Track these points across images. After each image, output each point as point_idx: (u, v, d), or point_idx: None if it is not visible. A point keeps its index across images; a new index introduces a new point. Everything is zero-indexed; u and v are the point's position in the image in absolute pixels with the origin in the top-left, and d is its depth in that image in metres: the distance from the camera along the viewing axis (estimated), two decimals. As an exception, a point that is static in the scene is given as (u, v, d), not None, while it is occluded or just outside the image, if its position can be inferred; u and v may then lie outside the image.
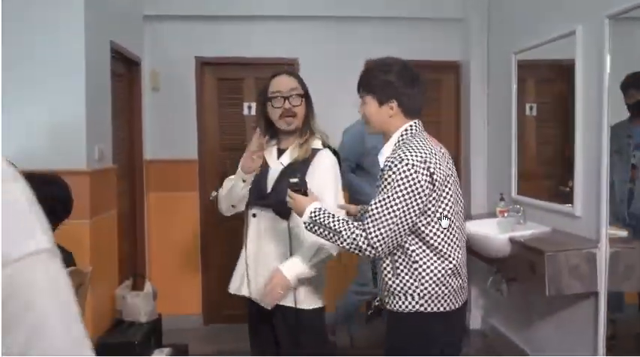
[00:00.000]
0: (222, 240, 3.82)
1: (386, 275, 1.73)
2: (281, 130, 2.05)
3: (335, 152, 2.07)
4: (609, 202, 2.47)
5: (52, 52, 2.65)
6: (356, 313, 3.49)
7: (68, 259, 1.99)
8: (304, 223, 1.72)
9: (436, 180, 1.64)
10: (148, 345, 3.02)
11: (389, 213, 1.61)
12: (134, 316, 3.06)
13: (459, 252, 1.72)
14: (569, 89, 2.83)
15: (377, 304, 1.88)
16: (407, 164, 1.62)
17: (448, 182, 1.69)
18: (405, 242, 1.68)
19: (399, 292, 1.70)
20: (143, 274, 3.67)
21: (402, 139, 1.75)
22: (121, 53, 3.34)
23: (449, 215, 1.69)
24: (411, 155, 1.64)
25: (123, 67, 3.53)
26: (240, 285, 2.08)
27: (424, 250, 1.68)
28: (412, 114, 1.78)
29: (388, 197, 1.61)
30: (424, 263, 1.68)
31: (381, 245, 1.62)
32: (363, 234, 1.62)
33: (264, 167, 2.03)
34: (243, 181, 2.01)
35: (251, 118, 2.08)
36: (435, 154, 1.68)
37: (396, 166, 1.63)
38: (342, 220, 1.68)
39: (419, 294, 1.67)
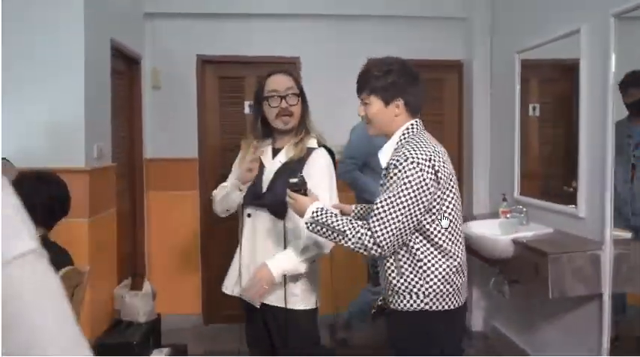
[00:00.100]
0: (222, 239, 3.78)
1: (390, 274, 1.72)
2: (277, 129, 2.04)
3: (330, 151, 2.06)
4: (613, 203, 2.44)
5: (51, 50, 2.63)
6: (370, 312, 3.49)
7: (66, 259, 1.97)
8: (306, 223, 1.70)
9: (441, 178, 1.64)
10: (146, 345, 3.00)
11: (395, 211, 1.60)
12: (133, 316, 3.03)
13: (462, 250, 1.73)
14: (572, 89, 2.80)
15: (380, 303, 1.85)
16: (412, 162, 1.61)
17: (451, 180, 1.70)
18: (410, 241, 1.67)
19: (404, 291, 1.69)
20: (142, 273, 3.65)
21: (405, 138, 1.74)
22: (121, 51, 3.32)
23: (452, 213, 1.69)
24: (416, 153, 1.63)
25: (123, 65, 3.51)
26: (234, 285, 2.07)
27: (428, 249, 1.67)
28: (415, 112, 1.78)
29: (394, 195, 1.60)
30: (429, 261, 1.67)
31: (387, 244, 1.60)
32: (369, 233, 1.61)
33: (260, 167, 2.01)
34: (240, 190, 2.00)
35: (252, 117, 2.07)
36: (439, 153, 1.69)
37: (401, 164, 1.62)
38: (346, 219, 1.67)
39: (424, 292, 1.67)
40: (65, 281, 1.82)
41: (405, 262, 1.69)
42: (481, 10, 3.82)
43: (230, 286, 2.10)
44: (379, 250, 1.61)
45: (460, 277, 1.72)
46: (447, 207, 1.68)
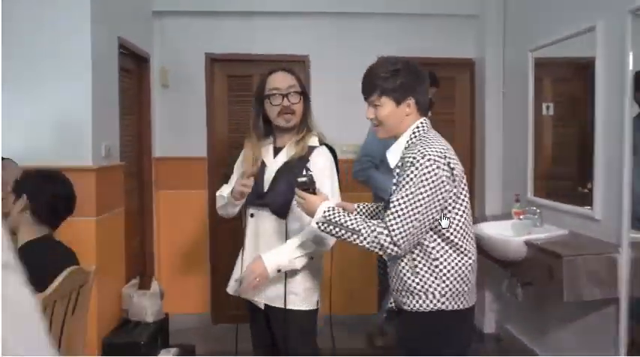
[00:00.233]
0: (231, 238, 3.76)
1: (404, 275, 1.69)
2: (278, 127, 2.01)
3: (332, 149, 2.03)
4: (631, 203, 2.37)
5: (58, 49, 2.62)
6: None
7: (71, 258, 1.95)
8: (317, 223, 1.66)
9: (456, 175, 1.64)
10: (154, 345, 2.98)
11: (413, 209, 1.57)
12: (140, 316, 3.02)
13: (474, 247, 1.72)
14: (587, 88, 2.74)
15: (391, 305, 1.81)
16: (429, 160, 1.59)
17: (464, 178, 1.68)
18: (425, 239, 1.65)
19: (419, 290, 1.66)
20: (150, 273, 3.64)
21: (416, 136, 1.72)
22: (129, 49, 3.30)
23: (465, 211, 1.68)
24: (432, 150, 1.62)
25: (132, 64, 3.49)
26: (238, 285, 2.04)
27: (443, 247, 1.65)
28: (424, 111, 1.77)
29: (412, 193, 1.58)
30: (445, 260, 1.65)
31: (404, 242, 1.58)
32: (385, 231, 1.58)
33: (261, 166, 1.99)
34: (235, 204, 2.00)
35: (253, 115, 2.05)
36: (451, 150, 1.68)
37: (418, 161, 1.59)
38: (360, 218, 1.64)
39: (440, 292, 1.65)
40: (69, 281, 1.80)
41: (419, 262, 1.67)
42: (493, 7, 3.76)
43: (234, 287, 2.08)
44: (395, 249, 1.59)
45: (474, 275, 1.71)
46: (461, 205, 1.66)
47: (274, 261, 1.86)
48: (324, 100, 3.87)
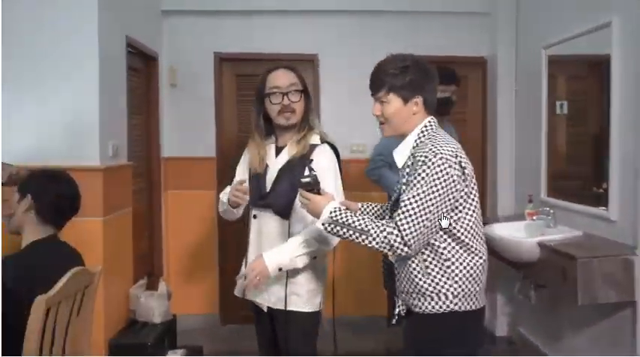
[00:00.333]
0: (239, 239, 3.73)
1: (416, 276, 1.66)
2: (279, 126, 1.98)
3: (334, 147, 1.99)
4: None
5: (65, 48, 2.62)
6: None
7: (76, 259, 1.93)
8: (323, 224, 1.63)
9: (467, 175, 1.61)
10: (161, 346, 2.97)
11: (424, 208, 1.54)
12: (148, 317, 3.00)
13: (485, 247, 1.70)
14: (603, 85, 2.68)
15: (401, 308, 1.76)
16: (441, 158, 1.56)
17: (474, 177, 1.66)
18: (435, 240, 1.62)
19: (432, 292, 1.63)
20: (158, 273, 3.62)
21: (424, 135, 1.69)
22: (138, 48, 3.29)
23: (476, 211, 1.65)
24: (444, 149, 1.59)
25: (140, 63, 3.49)
26: (241, 285, 2.02)
27: (454, 247, 1.63)
28: (432, 110, 1.74)
29: (423, 192, 1.55)
30: (457, 260, 1.63)
31: (414, 242, 1.55)
32: (395, 231, 1.54)
33: (263, 166, 1.97)
34: (234, 210, 2.01)
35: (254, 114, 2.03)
36: (461, 149, 1.65)
37: (430, 160, 1.56)
38: (368, 218, 1.60)
39: (452, 292, 1.62)
40: (74, 282, 1.78)
41: (431, 262, 1.64)
42: (505, 3, 3.70)
43: (240, 289, 2.06)
44: (406, 250, 1.55)
45: (485, 275, 1.69)
46: (471, 204, 1.64)
47: (275, 259, 1.84)
48: (334, 99, 3.85)
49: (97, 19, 2.63)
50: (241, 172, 2.11)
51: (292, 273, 1.91)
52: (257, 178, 1.99)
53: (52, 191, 1.87)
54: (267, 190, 1.95)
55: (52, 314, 1.69)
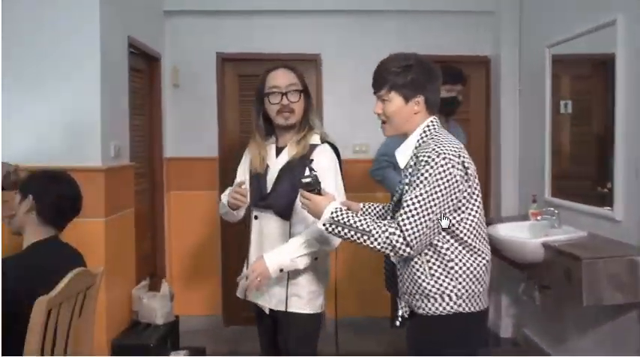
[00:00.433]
0: (242, 240, 3.73)
1: (419, 277, 1.64)
2: (279, 126, 1.97)
3: (334, 147, 1.98)
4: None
5: (66, 48, 2.62)
6: None
7: (77, 260, 1.92)
8: (324, 225, 1.61)
9: (470, 175, 1.60)
10: (164, 347, 2.96)
11: (427, 209, 1.53)
12: (150, 318, 3.00)
13: (488, 247, 1.68)
14: (607, 84, 2.65)
15: (404, 310, 1.75)
16: (445, 158, 1.55)
17: (476, 177, 1.64)
18: (438, 241, 1.61)
19: (435, 293, 1.62)
20: (161, 274, 3.62)
21: (427, 135, 1.68)
22: (140, 49, 3.29)
23: (478, 211, 1.63)
24: (447, 149, 1.58)
25: (143, 63, 3.48)
26: (244, 288, 2.01)
27: (457, 248, 1.62)
28: (434, 109, 1.72)
29: (426, 192, 1.53)
30: (460, 261, 1.62)
31: (417, 243, 1.53)
32: (397, 232, 1.52)
33: (264, 167, 1.96)
34: (234, 212, 2.01)
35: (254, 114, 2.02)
36: (464, 149, 1.64)
37: (433, 160, 1.55)
38: (369, 218, 1.59)
39: (456, 294, 1.61)
40: (75, 283, 1.77)
41: (434, 263, 1.62)
42: (509, 2, 3.68)
43: (242, 291, 2.06)
44: (408, 250, 1.53)
45: (488, 276, 1.68)
46: (473, 205, 1.62)
47: (276, 260, 1.83)
48: (336, 99, 3.84)
49: (98, 19, 2.62)
50: (242, 173, 2.10)
51: (293, 274, 1.90)
52: (257, 178, 1.98)
53: (53, 192, 1.86)
54: (268, 190, 1.94)
55: (53, 315, 1.69)
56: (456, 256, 1.62)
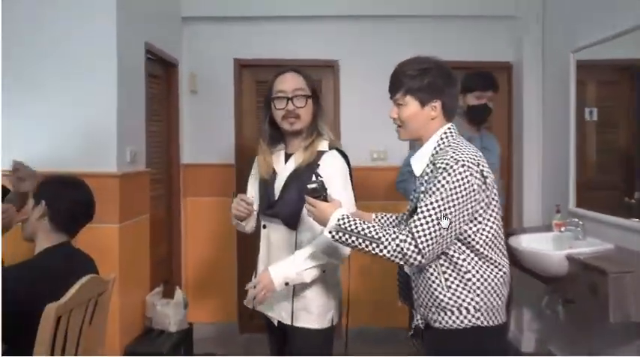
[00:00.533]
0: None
1: (435, 289, 1.58)
2: (286, 131, 1.92)
3: (343, 154, 1.92)
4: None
5: (82, 54, 2.63)
6: None
7: (89, 267, 1.90)
8: (330, 232, 1.55)
9: (489, 184, 1.54)
10: (177, 355, 2.93)
11: (442, 217, 1.47)
12: (164, 325, 2.98)
13: (506, 259, 1.62)
14: (635, 91, 2.56)
15: (418, 322, 1.68)
16: (463, 166, 1.50)
17: (494, 187, 1.58)
18: (454, 251, 1.55)
19: (452, 306, 1.56)
20: (177, 280, 3.60)
21: (444, 142, 1.62)
22: (157, 55, 3.30)
23: (496, 221, 1.57)
24: (466, 157, 1.52)
25: (160, 69, 3.49)
26: (252, 297, 1.95)
27: (473, 259, 1.56)
28: (451, 115, 1.67)
29: (442, 199, 1.47)
30: (477, 272, 1.56)
31: (429, 251, 1.47)
32: (409, 239, 1.46)
33: (272, 174, 1.92)
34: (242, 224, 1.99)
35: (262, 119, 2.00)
36: (482, 157, 1.58)
37: (452, 167, 1.49)
38: (377, 226, 1.53)
39: (474, 307, 1.55)
40: (87, 290, 1.75)
41: (450, 275, 1.56)
42: (532, 6, 3.60)
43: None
44: (419, 259, 1.47)
45: (507, 289, 1.62)
46: (490, 215, 1.56)
47: (281, 273, 1.78)
48: (355, 105, 3.80)
49: (115, 25, 2.64)
50: (253, 181, 2.07)
51: (300, 288, 1.85)
52: (265, 185, 1.94)
53: (66, 198, 1.85)
54: (276, 198, 1.89)
55: (63, 323, 1.66)
56: (473, 267, 1.56)
